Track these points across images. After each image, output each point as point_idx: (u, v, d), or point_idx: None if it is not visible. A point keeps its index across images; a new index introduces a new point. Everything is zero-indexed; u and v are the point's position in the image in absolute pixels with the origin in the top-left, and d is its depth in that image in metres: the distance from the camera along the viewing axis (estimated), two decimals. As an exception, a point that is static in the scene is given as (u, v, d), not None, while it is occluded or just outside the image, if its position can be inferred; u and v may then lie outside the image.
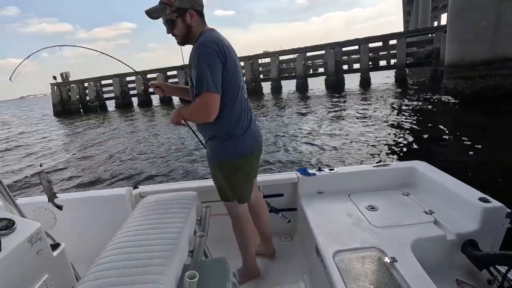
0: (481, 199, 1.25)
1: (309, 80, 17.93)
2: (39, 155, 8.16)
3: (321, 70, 18.54)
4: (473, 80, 7.85)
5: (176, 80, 20.05)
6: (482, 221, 1.21)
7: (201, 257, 0.96)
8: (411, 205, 1.47)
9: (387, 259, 1.08)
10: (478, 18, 7.54)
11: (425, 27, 25.50)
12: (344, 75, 17.06)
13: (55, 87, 21.80)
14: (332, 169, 1.75)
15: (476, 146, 4.61)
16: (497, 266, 1.08)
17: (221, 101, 1.17)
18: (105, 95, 22.03)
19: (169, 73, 20.53)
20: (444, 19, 43.47)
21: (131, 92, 21.22)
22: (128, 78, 21.16)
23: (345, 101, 11.30)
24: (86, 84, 21.83)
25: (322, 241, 1.24)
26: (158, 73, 20.27)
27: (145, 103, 20.31)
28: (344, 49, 16.85)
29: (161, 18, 1.20)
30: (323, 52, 17.14)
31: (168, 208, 1.08)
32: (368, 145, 5.26)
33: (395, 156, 4.67)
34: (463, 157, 4.27)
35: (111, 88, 21.37)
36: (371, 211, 1.45)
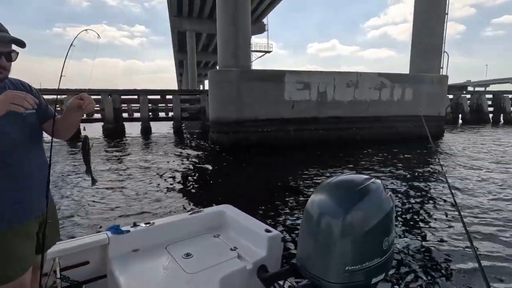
0: (266, 230, 1.54)
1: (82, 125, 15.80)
2: None
3: (97, 116, 16.99)
4: (228, 134, 10.30)
5: None
6: (268, 248, 1.48)
7: None
8: (220, 245, 1.61)
9: None
10: (228, 89, 10.23)
11: (193, 89, 30.81)
12: (124, 122, 16.60)
13: None
14: (149, 223, 1.66)
15: (250, 184, 5.94)
16: (278, 282, 1.27)
17: None
18: None
19: None
20: (207, 84, 54.82)
21: None
22: None
23: (135, 150, 10.86)
24: None
25: None
26: None
27: None
28: (123, 97, 16.62)
29: None
30: (99, 97, 15.95)
31: None
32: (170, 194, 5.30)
33: (201, 201, 4.98)
34: (247, 195, 5.28)
35: None
36: (186, 259, 1.48)
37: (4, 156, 1.07)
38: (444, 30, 12.82)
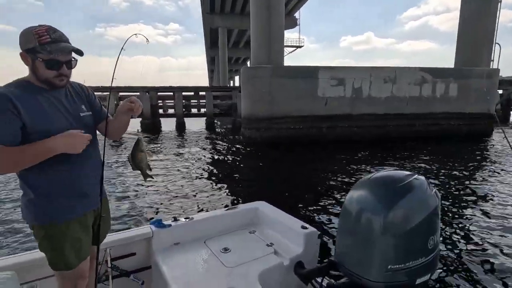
0: (302, 227, 1.57)
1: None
2: None
3: (136, 111, 17.91)
4: (261, 131, 10.36)
5: None
6: (305, 245, 1.51)
7: None
8: (256, 241, 1.66)
9: None
10: (260, 86, 10.27)
11: (224, 85, 31.35)
12: (160, 119, 17.39)
13: None
14: (188, 217, 1.75)
15: (284, 182, 5.93)
16: (316, 278, 1.30)
17: None
18: None
19: None
20: (237, 80, 55.57)
21: None
22: None
23: (172, 146, 11.38)
24: None
25: None
26: None
27: None
28: (159, 93, 17.39)
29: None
30: (137, 93, 16.86)
31: None
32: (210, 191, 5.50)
33: (236, 197, 5.12)
34: (280, 192, 5.34)
35: None
36: (225, 253, 1.55)
37: (69, 154, 1.19)
38: (497, 18, 11.67)
